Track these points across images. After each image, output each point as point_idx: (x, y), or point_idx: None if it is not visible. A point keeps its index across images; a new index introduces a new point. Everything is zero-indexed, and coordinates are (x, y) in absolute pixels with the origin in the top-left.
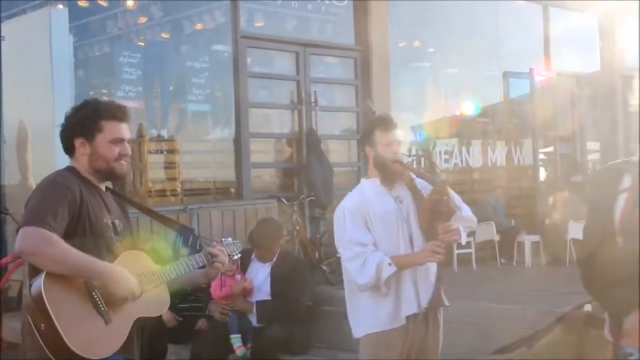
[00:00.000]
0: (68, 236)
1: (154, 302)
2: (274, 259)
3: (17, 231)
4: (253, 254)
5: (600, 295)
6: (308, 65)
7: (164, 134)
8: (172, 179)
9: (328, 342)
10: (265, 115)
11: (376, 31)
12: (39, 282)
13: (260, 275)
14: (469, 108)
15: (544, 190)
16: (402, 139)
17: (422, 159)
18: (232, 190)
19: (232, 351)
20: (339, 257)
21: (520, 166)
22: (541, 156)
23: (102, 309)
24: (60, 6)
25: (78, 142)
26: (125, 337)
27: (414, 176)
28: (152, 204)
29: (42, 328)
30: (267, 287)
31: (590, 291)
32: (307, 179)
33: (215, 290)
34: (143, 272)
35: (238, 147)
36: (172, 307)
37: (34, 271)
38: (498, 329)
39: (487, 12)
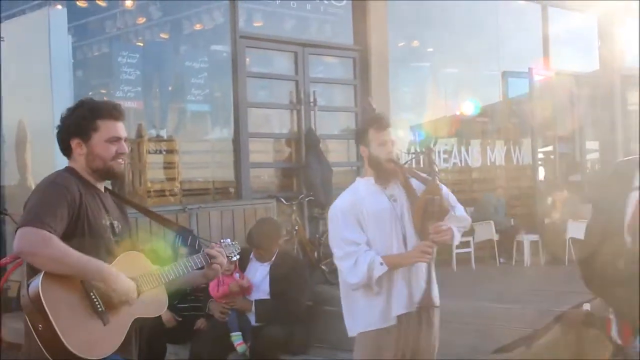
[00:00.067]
0: (67, 237)
1: (153, 302)
2: (273, 259)
3: (16, 231)
4: (252, 254)
5: (605, 294)
6: (307, 65)
7: (163, 134)
8: (171, 179)
9: (327, 342)
10: (264, 115)
11: (375, 31)
12: (37, 282)
13: (258, 275)
14: (468, 108)
15: (543, 190)
16: (396, 138)
17: (422, 157)
18: (231, 190)
19: (232, 350)
20: None
21: (519, 166)
22: (540, 155)
23: (100, 309)
24: (59, 6)
25: (75, 142)
26: (124, 338)
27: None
28: (151, 204)
29: (40, 328)
30: (265, 287)
31: (593, 289)
32: (306, 178)
33: (213, 289)
34: (141, 273)
35: (237, 147)
36: (171, 307)
37: (32, 271)
38: (497, 328)
39: (486, 11)
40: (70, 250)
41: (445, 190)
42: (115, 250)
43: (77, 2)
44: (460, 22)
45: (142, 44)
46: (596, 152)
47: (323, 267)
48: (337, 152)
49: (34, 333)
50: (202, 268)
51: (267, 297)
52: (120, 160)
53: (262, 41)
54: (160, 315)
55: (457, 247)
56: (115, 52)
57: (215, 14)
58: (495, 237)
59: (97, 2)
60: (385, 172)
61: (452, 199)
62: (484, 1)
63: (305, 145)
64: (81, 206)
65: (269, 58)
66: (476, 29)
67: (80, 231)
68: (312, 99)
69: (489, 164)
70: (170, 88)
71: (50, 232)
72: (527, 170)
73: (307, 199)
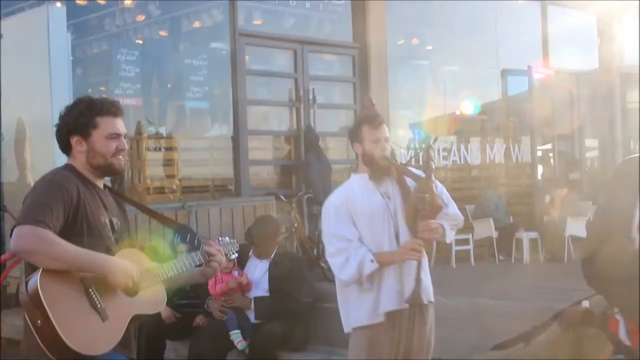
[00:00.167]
0: (65, 234)
1: (151, 299)
2: (272, 256)
3: (13, 230)
4: (251, 251)
5: (609, 292)
6: (306, 62)
7: (162, 131)
8: (170, 177)
9: (327, 339)
10: (263, 112)
11: (374, 29)
12: (35, 279)
13: (257, 272)
14: (467, 107)
15: (542, 188)
16: (390, 135)
17: (421, 154)
18: (231, 187)
19: (231, 348)
20: None
21: (518, 163)
22: (539, 153)
23: (99, 305)
24: (58, 4)
25: (74, 140)
26: (122, 334)
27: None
28: (150, 201)
29: (39, 325)
30: (264, 284)
31: (596, 287)
32: (306, 176)
33: (211, 286)
34: (140, 270)
35: (236, 145)
36: (171, 304)
37: (31, 268)
38: (496, 325)
39: (486, 9)
40: (69, 246)
41: (440, 187)
42: (114, 247)
43: (77, 0)
44: (459, 20)
45: (141, 42)
46: (595, 150)
47: (322, 264)
48: (336, 149)
49: (32, 329)
50: (200, 266)
51: (266, 294)
52: (121, 156)
53: (261, 39)
54: (159, 312)
55: (457, 244)
56: (115, 49)
57: (215, 11)
58: (495, 234)
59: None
60: (378, 169)
61: (445, 196)
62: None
63: (304, 143)
64: (79, 203)
65: (269, 56)
66: (476, 26)
67: (79, 228)
68: (311, 97)
69: (488, 161)
70: (169, 85)
71: (48, 230)
72: (526, 168)
73: (306, 196)
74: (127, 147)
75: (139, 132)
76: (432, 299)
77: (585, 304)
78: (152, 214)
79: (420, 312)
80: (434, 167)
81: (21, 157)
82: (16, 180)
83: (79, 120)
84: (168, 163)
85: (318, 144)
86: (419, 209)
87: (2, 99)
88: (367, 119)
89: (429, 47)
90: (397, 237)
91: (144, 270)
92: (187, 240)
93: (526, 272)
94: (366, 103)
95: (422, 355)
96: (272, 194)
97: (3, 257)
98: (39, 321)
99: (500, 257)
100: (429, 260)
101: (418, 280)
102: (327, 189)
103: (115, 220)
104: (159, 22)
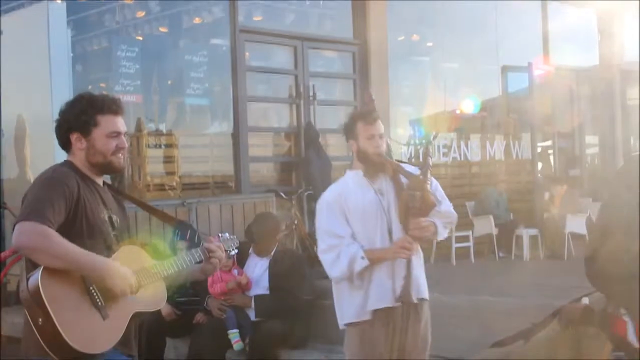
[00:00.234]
0: (65, 231)
1: (151, 297)
2: (272, 254)
3: (14, 226)
4: (251, 248)
5: (611, 291)
6: (306, 59)
7: (162, 128)
8: (170, 173)
9: (327, 336)
10: (263, 109)
11: (375, 25)
12: (36, 276)
13: (257, 270)
14: (468, 105)
15: (542, 184)
16: (384, 131)
17: (421, 150)
18: (231, 184)
19: (231, 347)
20: None
21: (518, 160)
22: (539, 150)
23: (100, 303)
24: (59, 0)
25: (74, 137)
26: (123, 332)
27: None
28: (150, 198)
29: (40, 323)
30: (265, 282)
31: (598, 286)
32: (306, 173)
33: (210, 285)
34: (140, 268)
35: (236, 141)
36: (171, 301)
37: (32, 266)
38: (496, 322)
39: (486, 6)
40: (70, 245)
41: (434, 184)
42: (114, 244)
43: None
44: (460, 17)
45: (141, 38)
46: (596, 147)
47: None
48: (336, 146)
49: (33, 327)
50: (200, 262)
51: (266, 292)
52: (120, 154)
53: (261, 35)
54: (159, 309)
55: (457, 241)
56: (115, 46)
57: (215, 8)
58: (495, 231)
59: None
60: (373, 165)
61: (439, 194)
62: None
63: (304, 140)
64: (79, 200)
65: (269, 52)
66: (476, 23)
67: (78, 225)
68: (311, 93)
69: (488, 158)
70: (169, 82)
71: (49, 227)
72: (526, 165)
73: (306, 193)
74: (127, 145)
75: (139, 128)
76: (426, 296)
77: (585, 301)
78: (152, 210)
79: (414, 310)
80: (430, 164)
81: (21, 153)
82: (16, 177)
83: (79, 117)
84: (168, 160)
85: (318, 140)
86: (411, 207)
87: (2, 96)
88: (361, 116)
89: (429, 44)
90: (389, 233)
91: (144, 268)
92: (187, 237)
93: (526, 269)
94: (366, 100)
95: (418, 352)
96: (272, 190)
97: (3, 254)
98: (40, 319)
99: (500, 254)
100: (429, 257)
101: (408, 278)
102: (327, 185)
103: (115, 217)
104: (159, 19)
